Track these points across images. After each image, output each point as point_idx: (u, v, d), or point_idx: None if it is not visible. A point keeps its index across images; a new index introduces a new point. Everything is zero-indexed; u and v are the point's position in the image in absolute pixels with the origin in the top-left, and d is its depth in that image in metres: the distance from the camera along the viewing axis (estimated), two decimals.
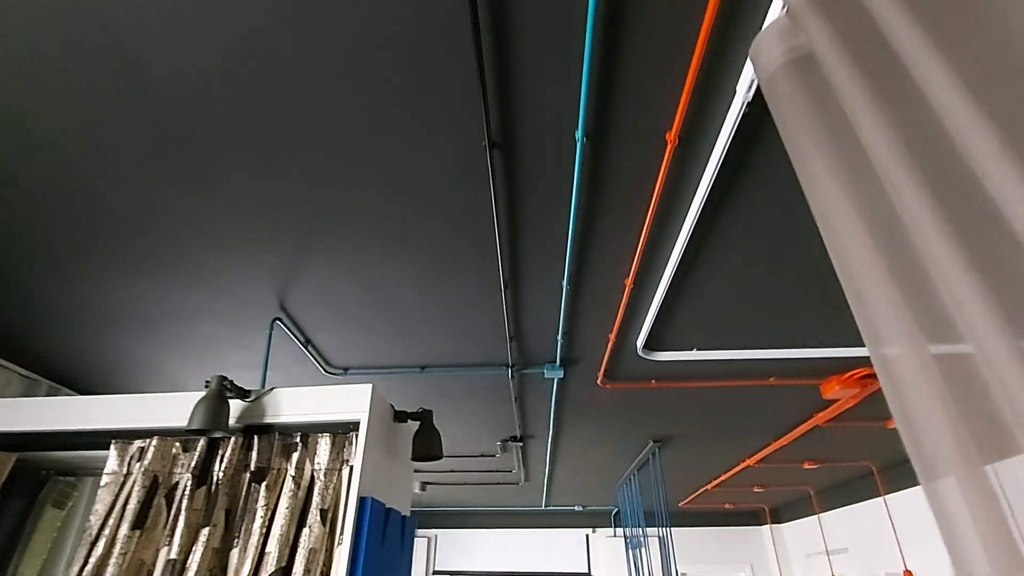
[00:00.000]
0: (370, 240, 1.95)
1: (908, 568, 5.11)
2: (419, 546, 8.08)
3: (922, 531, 5.05)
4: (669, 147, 1.46)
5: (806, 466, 5.33)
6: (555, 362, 2.89)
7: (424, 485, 6.09)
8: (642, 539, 7.74)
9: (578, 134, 1.43)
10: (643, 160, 1.55)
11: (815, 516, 6.99)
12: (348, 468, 1.64)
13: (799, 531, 7.46)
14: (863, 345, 2.89)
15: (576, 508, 8.19)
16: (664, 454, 4.84)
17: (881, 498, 5.75)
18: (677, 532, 8.12)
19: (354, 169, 1.61)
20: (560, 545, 8.19)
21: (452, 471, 5.63)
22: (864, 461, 5.31)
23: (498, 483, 6.25)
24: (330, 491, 1.59)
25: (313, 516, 1.53)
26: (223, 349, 2.70)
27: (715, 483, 6.18)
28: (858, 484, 6.11)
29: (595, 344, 2.71)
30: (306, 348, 2.66)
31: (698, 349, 2.78)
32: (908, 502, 5.24)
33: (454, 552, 8.15)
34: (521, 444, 4.42)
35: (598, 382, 3.10)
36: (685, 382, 3.17)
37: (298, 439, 1.68)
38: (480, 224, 1.86)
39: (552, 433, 4.20)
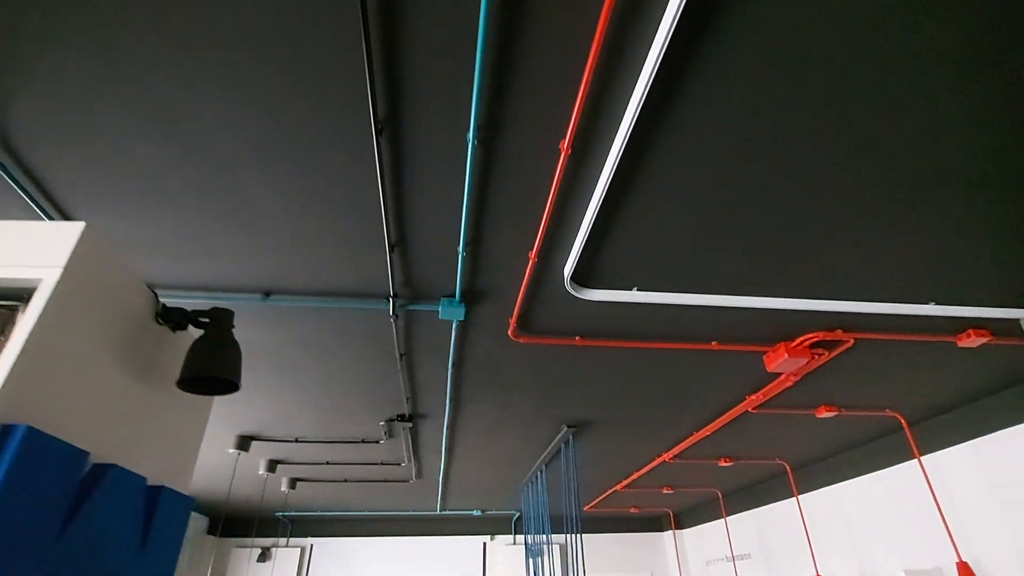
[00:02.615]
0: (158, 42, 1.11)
1: (819, 572, 4.87)
2: (289, 558, 6.93)
3: (830, 533, 4.83)
4: None
5: (721, 464, 4.96)
6: (454, 296, 2.14)
7: (294, 482, 5.06)
8: (544, 546, 7.13)
9: None
10: None
11: (721, 520, 6.74)
12: None
13: (700, 537, 7.20)
14: (830, 297, 2.43)
15: (475, 513, 7.43)
16: (578, 444, 4.23)
17: (785, 501, 5.53)
18: (568, 540, 7.59)
19: None
20: (454, 554, 7.39)
21: (328, 463, 4.67)
22: (779, 459, 5.04)
23: (386, 480, 5.35)
24: None
25: None
26: None
27: (626, 482, 5.69)
28: (766, 486, 5.88)
29: (510, 268, 2.00)
30: None
31: (639, 289, 2.16)
32: (818, 503, 5.03)
33: (331, 564, 7.07)
34: (411, 425, 3.60)
35: (509, 333, 2.39)
36: (614, 341, 2.55)
37: None
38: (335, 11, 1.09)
39: (449, 411, 3.43)
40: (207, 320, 1.17)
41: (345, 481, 5.31)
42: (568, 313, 2.30)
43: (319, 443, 4.07)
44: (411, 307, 2.19)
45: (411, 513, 7.29)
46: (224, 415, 3.47)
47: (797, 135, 1.44)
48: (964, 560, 3.46)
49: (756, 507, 6.05)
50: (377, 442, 4.08)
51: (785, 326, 2.51)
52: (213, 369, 1.07)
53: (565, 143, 1.41)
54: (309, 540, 7.13)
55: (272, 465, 4.43)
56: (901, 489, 4.13)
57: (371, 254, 1.88)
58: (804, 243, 1.91)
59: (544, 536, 5.09)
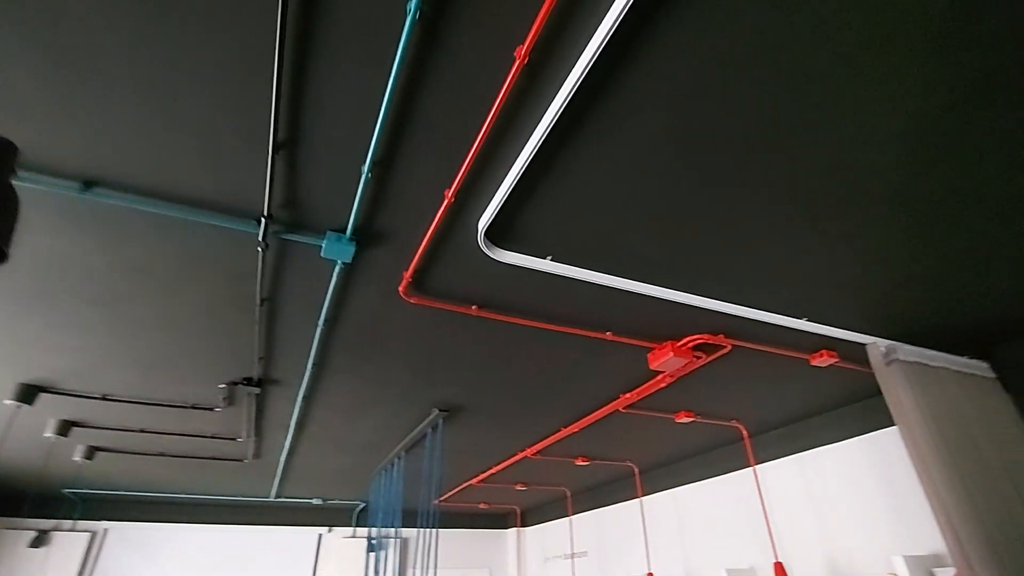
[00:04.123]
0: None
1: (651, 570, 5.14)
2: (73, 544, 5.76)
3: (665, 533, 5.14)
4: None
5: (578, 462, 5.05)
6: (344, 231, 1.80)
7: (92, 451, 4.16)
8: (392, 540, 6.75)
9: None
10: None
11: (563, 519, 6.92)
12: None
13: (542, 534, 7.35)
14: (723, 299, 2.47)
15: (314, 502, 6.83)
16: (445, 431, 3.99)
17: (627, 502, 5.81)
18: (417, 534, 7.33)
19: None
20: (284, 547, 6.70)
21: (143, 431, 3.90)
22: (629, 461, 5.26)
23: (215, 457, 4.64)
24: None
25: None
26: None
27: (483, 476, 5.57)
28: (612, 487, 6.14)
29: (419, 205, 1.71)
30: None
31: (553, 259, 1.99)
32: (657, 505, 5.33)
33: (129, 553, 6.00)
34: (258, 392, 3.09)
35: (400, 289, 2.09)
36: (512, 316, 2.37)
37: None
38: None
39: (309, 379, 2.99)
40: None
41: (162, 455, 4.50)
42: (471, 275, 2.07)
43: (134, 404, 3.35)
44: (287, 236, 1.79)
45: (239, 499, 6.48)
46: (2, 354, 2.68)
47: (727, 129, 1.37)
48: (779, 561, 3.82)
49: (599, 507, 6.29)
50: (212, 410, 3.47)
51: (676, 323, 2.52)
52: None
53: (523, 48, 1.18)
54: (103, 524, 6.01)
55: (65, 427, 3.57)
56: (731, 495, 4.50)
57: (247, 152, 1.48)
58: (713, 240, 1.88)
59: (392, 530, 4.75)
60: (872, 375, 3.17)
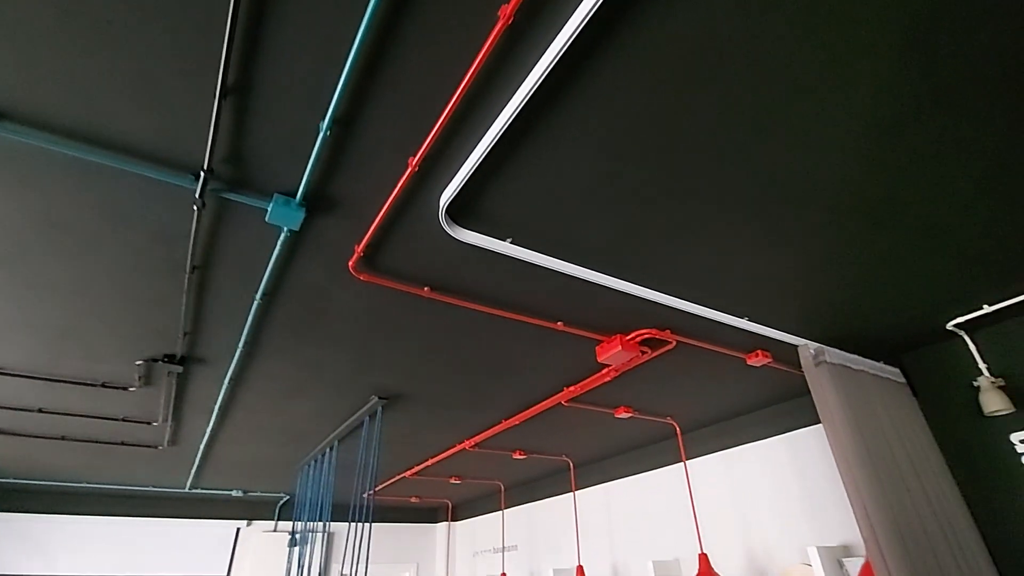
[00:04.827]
0: None
1: (580, 564, 5.22)
2: None
3: (595, 527, 5.24)
4: None
5: (515, 456, 5.05)
6: (294, 194, 1.67)
7: None
8: (317, 535, 6.47)
9: None
10: None
11: (494, 513, 6.91)
12: None
13: (472, 528, 7.31)
14: (672, 294, 2.50)
15: (234, 494, 6.44)
16: (384, 420, 3.86)
17: (559, 497, 5.88)
18: (341, 528, 7.09)
19: None
20: (197, 541, 6.29)
21: (41, 411, 3.51)
22: (565, 456, 5.31)
23: (125, 443, 4.26)
24: None
25: None
26: None
27: (418, 469, 5.45)
28: (545, 481, 6.19)
29: (380, 173, 1.61)
30: None
31: (513, 242, 1.95)
32: (588, 499, 5.42)
33: (16, 549, 5.42)
34: (180, 371, 2.85)
35: (350, 264, 1.97)
36: (465, 300, 2.30)
37: None
38: None
39: (239, 360, 2.78)
40: None
41: (63, 439, 4.08)
42: (427, 254, 1.98)
43: (33, 380, 3.00)
44: (228, 195, 1.64)
45: (149, 489, 6.01)
46: None
47: (689, 129, 1.38)
48: (704, 552, 3.98)
49: (531, 501, 6.32)
50: (125, 389, 3.17)
51: (625, 317, 2.54)
52: None
53: (509, 8, 1.12)
54: None
55: None
56: (660, 489, 4.64)
57: (189, 95, 1.33)
58: (667, 236, 1.90)
59: (320, 523, 4.54)
60: (798, 377, 3.36)
